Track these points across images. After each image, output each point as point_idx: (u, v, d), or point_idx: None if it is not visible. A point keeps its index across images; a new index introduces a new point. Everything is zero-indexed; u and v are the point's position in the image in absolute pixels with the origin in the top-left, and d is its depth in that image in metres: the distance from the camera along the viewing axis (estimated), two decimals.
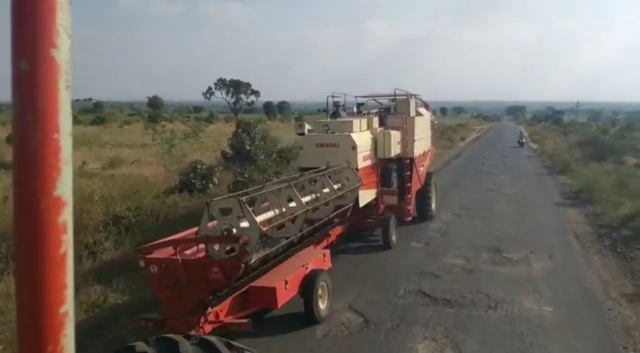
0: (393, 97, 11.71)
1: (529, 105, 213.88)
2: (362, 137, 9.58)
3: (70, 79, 0.62)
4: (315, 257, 7.24)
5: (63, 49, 0.61)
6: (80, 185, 12.83)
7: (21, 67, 0.59)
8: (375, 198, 10.26)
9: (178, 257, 5.33)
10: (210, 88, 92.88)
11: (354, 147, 9.10)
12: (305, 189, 7.26)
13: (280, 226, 6.10)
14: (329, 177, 7.69)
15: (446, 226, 11.86)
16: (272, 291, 5.94)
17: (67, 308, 0.67)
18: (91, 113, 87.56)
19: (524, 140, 38.96)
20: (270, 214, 6.02)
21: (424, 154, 12.44)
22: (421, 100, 12.95)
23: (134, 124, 51.47)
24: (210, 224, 5.43)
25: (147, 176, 16.81)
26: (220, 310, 5.58)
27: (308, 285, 6.54)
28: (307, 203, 6.66)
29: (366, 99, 12.54)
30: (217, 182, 14.17)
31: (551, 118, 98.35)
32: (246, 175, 14.06)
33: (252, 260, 5.56)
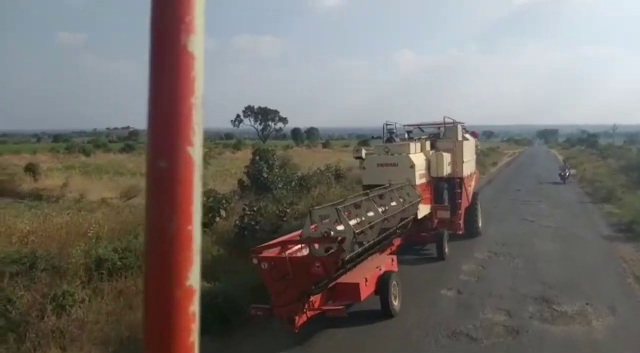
0: (439, 125, 13.19)
1: (561, 129, 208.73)
2: (418, 158, 10.93)
3: (202, 172, 0.65)
4: (386, 261, 8.41)
5: (197, 145, 0.64)
6: (77, 219, 11.88)
7: (159, 165, 0.63)
8: (430, 213, 11.26)
9: (286, 255, 6.70)
10: (238, 115, 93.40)
11: (412, 166, 10.46)
12: (376, 203, 8.13)
13: (361, 232, 6.97)
14: (394, 192, 8.97)
15: (481, 267, 10.27)
16: (356, 287, 7.02)
17: (194, 150, 0.65)
18: (125, 140, 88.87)
19: (568, 173, 26.73)
20: (354, 221, 7.15)
21: (470, 175, 13.53)
22: (465, 128, 13.84)
23: None
24: (311, 228, 6.89)
25: None
26: (314, 301, 6.65)
27: (383, 284, 7.60)
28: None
29: (413, 127, 14.02)
30: (224, 215, 12.95)
31: (586, 141, 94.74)
32: (255, 208, 12.81)
33: (347, 257, 6.70)
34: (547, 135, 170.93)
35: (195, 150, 0.64)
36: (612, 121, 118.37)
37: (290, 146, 77.45)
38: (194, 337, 0.66)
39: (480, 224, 13.43)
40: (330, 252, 6.48)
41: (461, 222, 12.41)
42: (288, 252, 6.97)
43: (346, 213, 7.15)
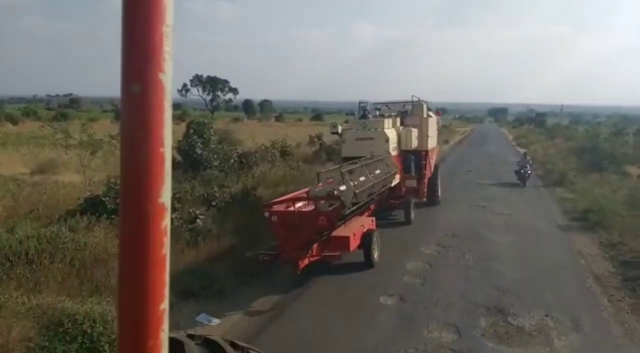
0: (405, 103, 14.55)
1: (511, 107, 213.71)
2: (391, 133, 12.09)
3: (172, 97, 0.69)
4: (368, 221, 9.63)
5: (168, 73, 0.68)
6: None
7: (133, 90, 0.66)
8: (399, 183, 12.24)
9: (294, 209, 8.18)
10: (185, 85, 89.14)
11: (387, 140, 11.54)
12: (367, 170, 9.33)
13: (360, 192, 8.23)
14: (378, 163, 10.18)
15: (428, 266, 8.98)
16: (346, 239, 8.26)
17: (165, 305, 0.70)
18: (65, 108, 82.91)
19: (530, 172, 19.28)
20: (350, 184, 8.11)
21: (433, 149, 15.01)
22: (429, 107, 15.19)
23: (102, 121, 47.33)
24: (318, 187, 8.24)
25: (66, 186, 13.73)
26: (314, 249, 7.91)
27: (366, 240, 8.79)
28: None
29: (382, 104, 14.95)
30: None
31: (534, 120, 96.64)
32: (178, 195, 11.02)
33: (346, 213, 8.02)
34: (497, 113, 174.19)
35: (166, 77, 0.68)
36: (560, 101, 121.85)
37: (241, 119, 74.49)
38: (166, 250, 0.70)
39: (439, 193, 14.77)
40: (333, 207, 7.75)
41: (425, 190, 13.81)
42: (296, 206, 8.31)
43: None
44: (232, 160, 18.51)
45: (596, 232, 11.84)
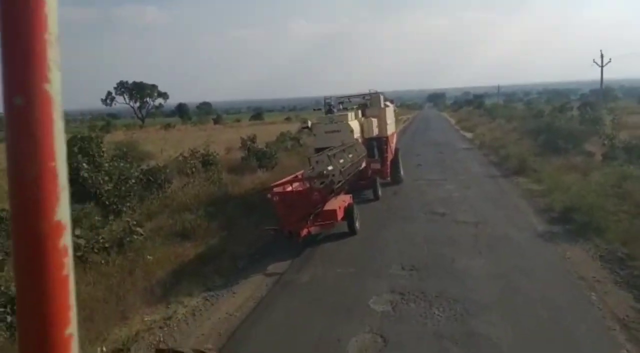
0: (364, 95, 16.05)
1: (448, 92, 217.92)
2: (355, 124, 13.70)
3: (63, 109, 0.65)
4: (347, 198, 11.19)
5: (55, 83, 0.64)
6: None
7: (16, 102, 0.63)
8: (365, 167, 13.67)
9: (292, 188, 10.36)
10: (110, 93, 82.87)
11: (352, 131, 13.20)
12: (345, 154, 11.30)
13: (344, 170, 10.42)
14: (350, 148, 12.00)
15: (381, 340, 5.84)
16: (334, 211, 10.03)
17: (72, 330, 0.66)
18: None
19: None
20: (336, 164, 10.06)
21: (392, 134, 16.86)
22: (385, 97, 16.76)
23: None
24: (310, 170, 10.03)
25: None
26: (310, 221, 9.57)
27: (349, 212, 10.49)
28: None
29: (344, 98, 16.21)
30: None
31: (472, 102, 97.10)
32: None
33: (336, 188, 9.85)
34: (436, 98, 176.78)
35: (53, 87, 0.64)
36: (495, 82, 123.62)
37: (173, 124, 69.37)
38: (68, 270, 0.66)
39: (402, 173, 16.41)
40: (324, 184, 9.55)
41: (388, 170, 15.59)
42: (293, 186, 10.46)
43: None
44: (131, 181, 14.69)
45: (589, 239, 9.19)
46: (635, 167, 13.63)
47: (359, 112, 14.97)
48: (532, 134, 23.02)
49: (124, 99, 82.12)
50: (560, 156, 18.08)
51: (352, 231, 10.36)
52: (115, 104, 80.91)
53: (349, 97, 16.54)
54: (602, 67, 38.78)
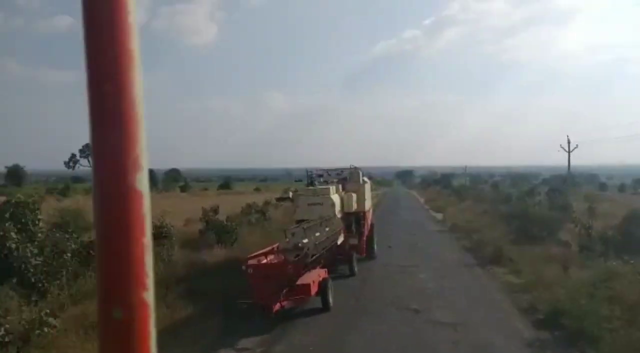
0: (342, 170, 16.66)
1: (416, 170, 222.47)
2: (336, 198, 14.08)
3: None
4: (322, 272, 11.12)
5: (151, 292, 0.64)
6: None
7: (115, 315, 0.63)
8: (343, 240, 13.90)
9: (267, 261, 10.23)
10: (74, 155, 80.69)
11: (333, 205, 13.49)
12: (322, 227, 11.67)
13: (319, 243, 10.64)
14: (327, 222, 12.34)
15: None
16: (308, 286, 9.85)
17: (149, 294, 0.65)
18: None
19: None
20: (312, 238, 10.23)
21: (369, 210, 17.58)
22: (363, 173, 17.13)
23: None
24: (286, 242, 10.01)
25: None
26: (284, 295, 9.44)
27: (323, 287, 10.35)
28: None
29: (323, 171, 16.76)
30: None
31: (440, 182, 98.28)
32: None
33: (309, 261, 9.87)
34: (404, 176, 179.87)
35: (150, 296, 0.64)
36: (461, 163, 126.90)
37: None
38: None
39: (375, 248, 16.50)
40: (298, 257, 9.42)
41: (364, 247, 15.42)
42: (268, 259, 10.35)
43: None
44: (66, 255, 12.87)
45: (584, 352, 7.98)
46: (618, 262, 12.75)
47: (340, 186, 15.28)
48: (505, 219, 22.35)
49: (89, 162, 79.95)
50: (535, 244, 17.22)
51: (325, 307, 10.24)
52: (78, 167, 78.45)
53: (327, 170, 16.80)
54: (569, 152, 39.45)
